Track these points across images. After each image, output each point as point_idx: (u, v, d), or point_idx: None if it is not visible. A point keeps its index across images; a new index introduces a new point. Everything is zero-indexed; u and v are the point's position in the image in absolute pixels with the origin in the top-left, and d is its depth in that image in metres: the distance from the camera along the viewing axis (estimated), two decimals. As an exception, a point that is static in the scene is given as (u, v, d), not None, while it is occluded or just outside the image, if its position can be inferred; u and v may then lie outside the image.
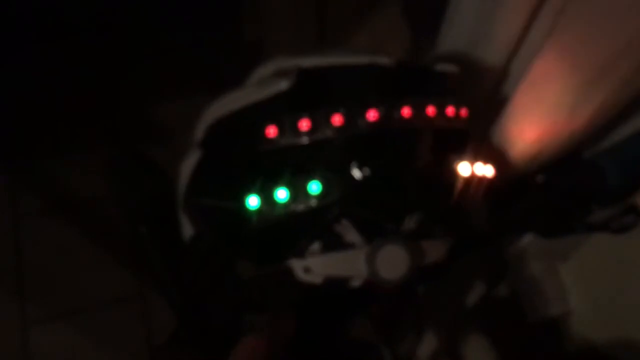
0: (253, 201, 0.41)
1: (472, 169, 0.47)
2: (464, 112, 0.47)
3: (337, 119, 0.40)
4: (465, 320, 0.90)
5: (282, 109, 0.41)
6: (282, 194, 0.41)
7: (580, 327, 0.82)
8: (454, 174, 0.46)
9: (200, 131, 0.45)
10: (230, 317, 0.48)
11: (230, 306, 0.48)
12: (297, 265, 0.43)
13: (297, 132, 0.40)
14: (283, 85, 0.41)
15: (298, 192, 0.41)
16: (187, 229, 0.48)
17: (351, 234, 0.43)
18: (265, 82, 0.43)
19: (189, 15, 1.53)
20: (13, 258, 1.37)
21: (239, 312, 0.47)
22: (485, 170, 0.48)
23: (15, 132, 1.46)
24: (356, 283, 0.44)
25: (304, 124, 0.40)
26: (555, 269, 0.83)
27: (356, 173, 0.42)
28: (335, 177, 0.41)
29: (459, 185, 0.47)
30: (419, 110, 0.43)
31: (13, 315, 1.31)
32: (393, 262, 0.43)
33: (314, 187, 0.41)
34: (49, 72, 1.48)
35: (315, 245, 0.43)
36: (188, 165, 0.45)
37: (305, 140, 0.41)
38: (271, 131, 0.41)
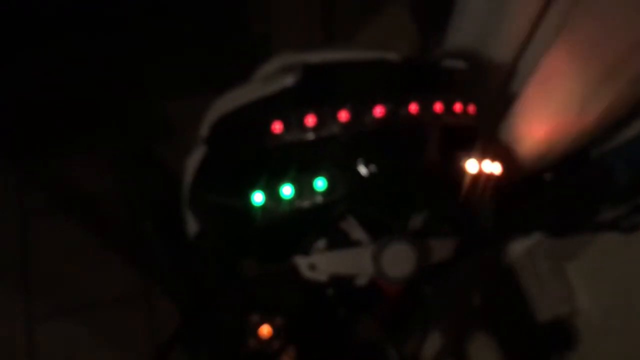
0: (258, 197, 0.41)
1: (480, 166, 0.46)
2: (471, 109, 0.46)
3: (343, 115, 0.40)
4: (471, 319, 0.89)
5: (288, 104, 0.40)
6: (287, 190, 0.40)
7: (587, 327, 0.82)
8: (461, 172, 0.46)
9: (205, 127, 0.45)
10: (235, 315, 0.47)
11: (235, 304, 0.48)
12: (302, 263, 0.43)
13: (303, 127, 0.40)
14: (289, 80, 0.40)
15: (303, 188, 0.41)
16: (192, 226, 0.47)
17: (357, 232, 0.43)
18: (271, 77, 0.42)
19: (195, 12, 1.53)
20: (19, 255, 1.37)
21: (243, 311, 0.47)
22: (493, 167, 0.48)
23: (22, 130, 1.46)
24: (362, 281, 0.44)
25: (310, 120, 0.40)
26: (561, 268, 0.83)
27: (362, 170, 0.41)
28: (341, 174, 0.41)
29: (467, 182, 0.46)
30: (426, 106, 0.42)
31: (18, 311, 1.32)
32: (399, 261, 0.42)
33: (320, 184, 0.41)
34: (55, 71, 1.48)
35: (321, 243, 0.43)
36: (193, 162, 0.45)
37: (311, 136, 0.40)
38: (277, 127, 0.40)
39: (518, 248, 0.81)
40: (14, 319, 1.31)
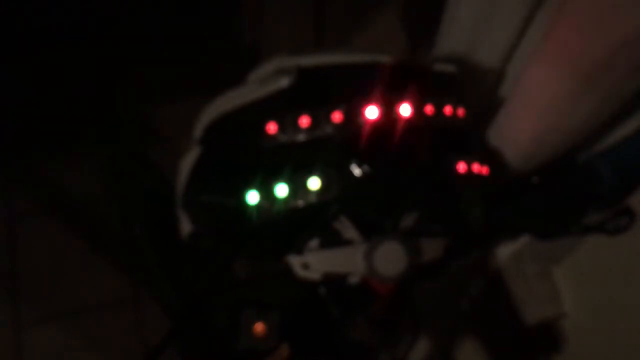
0: (253, 197, 0.42)
1: (469, 168, 0.47)
2: (461, 111, 0.47)
3: (337, 116, 0.41)
4: (460, 322, 0.90)
5: (282, 106, 0.41)
6: (282, 190, 0.41)
7: (574, 330, 0.83)
8: (451, 173, 0.47)
9: (200, 128, 0.45)
10: (230, 315, 0.48)
11: (229, 305, 0.48)
12: (295, 262, 0.43)
13: (297, 128, 0.41)
14: (284, 82, 0.41)
15: (298, 188, 0.41)
16: (186, 226, 0.48)
17: (349, 231, 0.43)
18: (266, 80, 0.43)
19: (187, 18, 1.53)
20: (7, 260, 1.36)
21: (238, 311, 0.47)
22: (482, 170, 0.49)
23: (11, 133, 1.46)
24: (354, 280, 0.45)
25: (304, 121, 0.41)
26: (548, 271, 0.84)
27: (355, 170, 0.42)
28: (334, 174, 0.42)
29: (456, 184, 0.47)
30: (417, 108, 0.43)
31: (6, 317, 1.31)
32: (391, 259, 0.43)
33: (314, 184, 0.41)
34: (46, 75, 1.48)
35: (314, 242, 0.44)
36: (187, 162, 0.45)
37: (305, 136, 0.41)
38: (271, 128, 0.41)
39: (505, 251, 0.82)
40: (1, 325, 1.30)
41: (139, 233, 0.55)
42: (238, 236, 0.44)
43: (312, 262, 0.43)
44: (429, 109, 0.44)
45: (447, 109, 0.46)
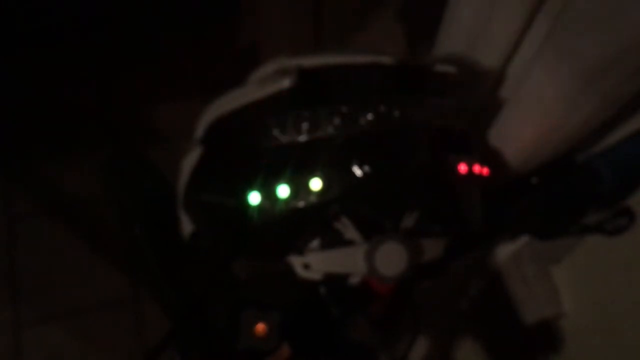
0: (254, 198, 0.42)
1: (470, 168, 0.48)
2: (462, 113, 0.47)
3: (338, 117, 0.41)
4: (460, 322, 0.90)
5: (284, 106, 0.41)
6: (283, 191, 0.41)
7: (573, 329, 0.83)
8: (451, 173, 0.47)
9: (201, 128, 0.45)
10: (230, 316, 0.48)
11: (229, 305, 0.48)
12: (296, 262, 0.43)
13: (298, 129, 0.41)
14: (285, 83, 0.41)
15: (299, 188, 0.41)
16: (187, 226, 0.48)
17: (350, 231, 0.43)
18: (267, 80, 0.43)
19: (187, 18, 1.53)
20: (7, 260, 1.36)
21: (238, 311, 0.47)
22: (482, 170, 0.49)
23: (11, 133, 1.45)
24: (355, 280, 0.45)
25: (305, 122, 0.41)
26: (547, 271, 0.84)
27: (357, 170, 0.42)
28: (336, 174, 0.42)
29: (457, 184, 0.47)
30: (418, 109, 0.43)
31: (6, 317, 1.31)
32: (392, 259, 0.43)
33: (315, 184, 0.41)
34: (46, 75, 1.47)
35: (315, 242, 0.44)
36: (189, 162, 0.45)
37: (306, 137, 0.41)
38: (273, 128, 0.41)
39: (505, 251, 0.82)
40: (1, 325, 1.30)
41: (139, 233, 0.55)
42: (239, 236, 0.45)
43: (313, 263, 0.43)
44: (429, 109, 0.44)
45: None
